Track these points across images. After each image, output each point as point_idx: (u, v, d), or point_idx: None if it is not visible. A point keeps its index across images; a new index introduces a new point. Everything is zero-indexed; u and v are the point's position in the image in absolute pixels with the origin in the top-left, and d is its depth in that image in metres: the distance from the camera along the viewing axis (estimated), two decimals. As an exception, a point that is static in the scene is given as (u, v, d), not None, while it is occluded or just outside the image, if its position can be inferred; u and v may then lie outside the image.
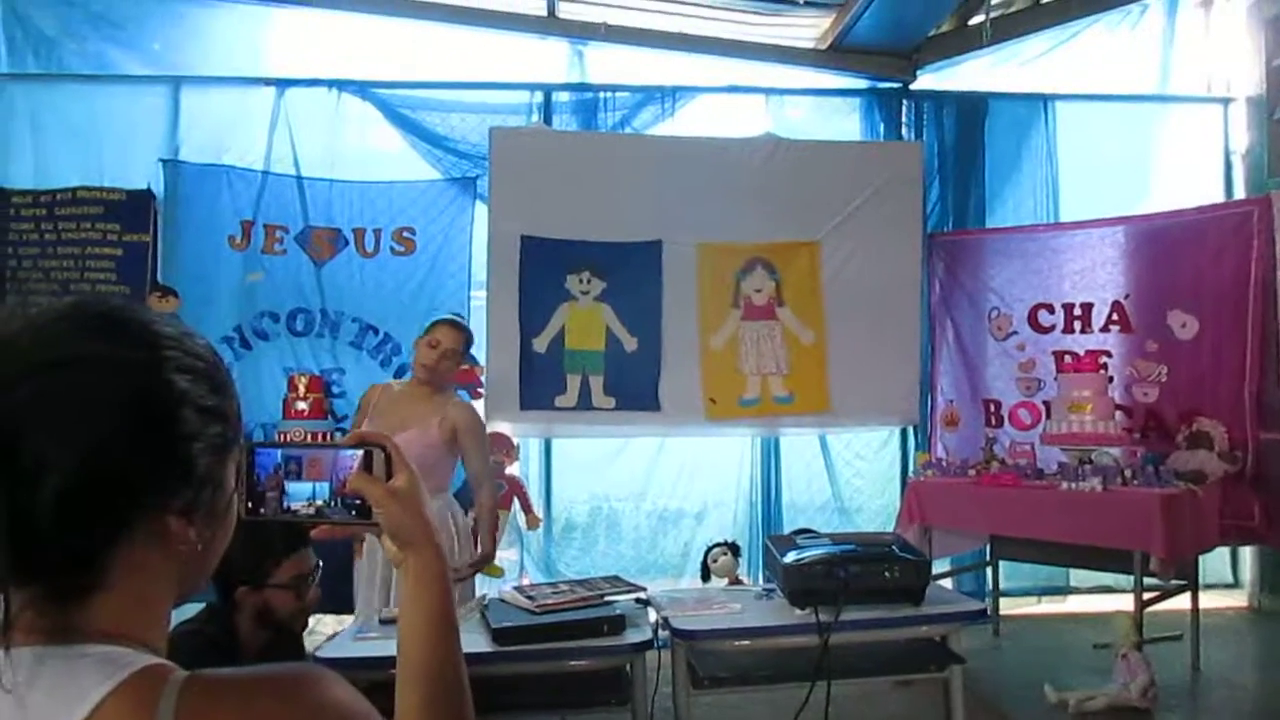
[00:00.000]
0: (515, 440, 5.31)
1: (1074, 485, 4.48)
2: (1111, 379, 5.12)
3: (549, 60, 5.95)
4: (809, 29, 5.89)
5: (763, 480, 5.79)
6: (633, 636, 2.64)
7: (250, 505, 0.99)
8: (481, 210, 5.38)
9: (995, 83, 6.15)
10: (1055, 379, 5.23)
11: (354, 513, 1.01)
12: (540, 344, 5.03)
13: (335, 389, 5.31)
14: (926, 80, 6.03)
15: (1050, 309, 5.52)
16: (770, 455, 5.80)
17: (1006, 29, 5.77)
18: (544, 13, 5.75)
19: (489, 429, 4.88)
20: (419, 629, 0.98)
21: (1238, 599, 6.02)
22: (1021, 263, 5.60)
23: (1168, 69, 6.36)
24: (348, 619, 3.71)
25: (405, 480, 1.00)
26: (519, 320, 4.99)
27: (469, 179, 5.54)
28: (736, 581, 4.51)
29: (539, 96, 5.76)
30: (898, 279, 5.30)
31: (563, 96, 5.82)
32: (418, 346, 3.61)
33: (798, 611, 2.81)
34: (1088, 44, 6.12)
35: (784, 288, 5.27)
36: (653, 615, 2.90)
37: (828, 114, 6.09)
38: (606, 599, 2.82)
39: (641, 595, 2.95)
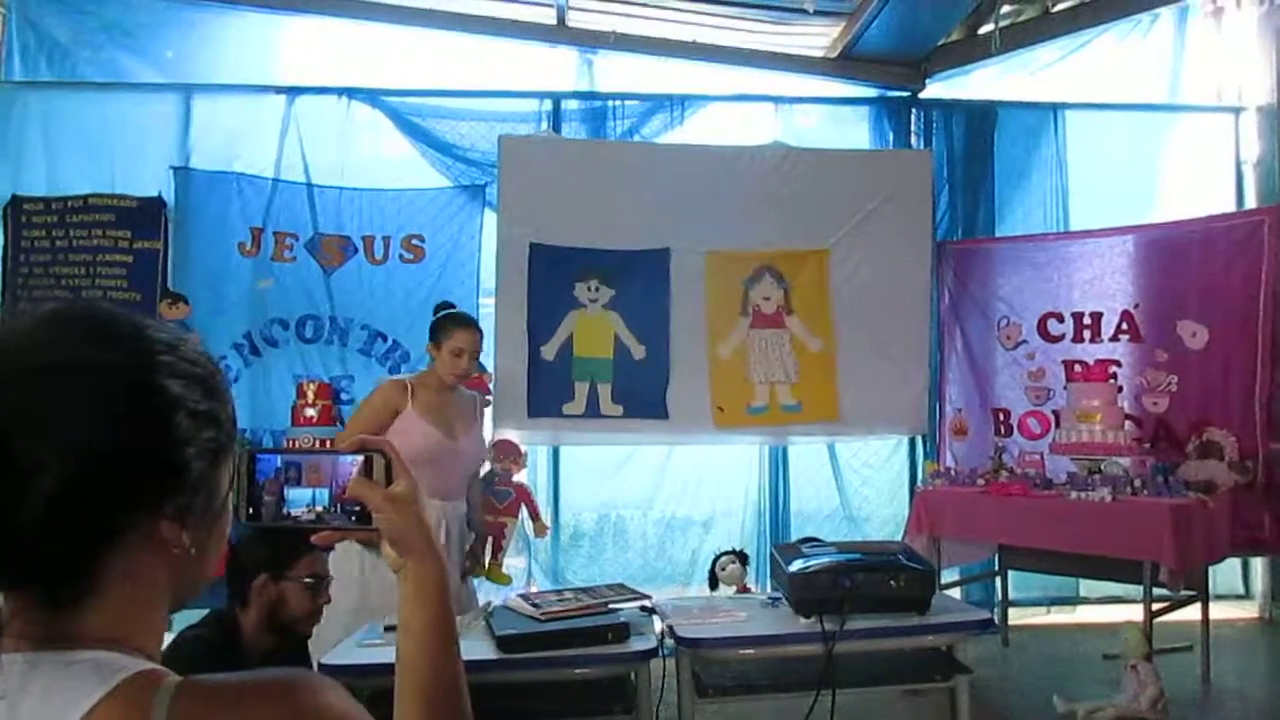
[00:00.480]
0: (523, 448, 5.31)
1: (1083, 495, 4.46)
2: (1121, 388, 5.09)
3: (558, 69, 5.98)
4: (818, 38, 5.90)
5: (771, 489, 5.78)
6: (637, 644, 2.62)
7: (250, 511, 1.00)
8: (490, 218, 5.40)
9: (1005, 92, 6.15)
10: (1065, 388, 5.22)
11: (354, 518, 1.01)
12: (549, 351, 5.03)
13: (344, 396, 5.32)
14: (936, 89, 6.04)
15: (1060, 318, 5.50)
16: (778, 464, 5.79)
17: (1016, 38, 5.78)
18: (553, 21, 5.79)
19: (496, 436, 4.91)
20: (418, 635, 0.98)
21: (1248, 610, 5.97)
22: (1031, 271, 5.59)
23: (1178, 78, 6.36)
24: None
25: (405, 486, 1.00)
26: (527, 327, 4.98)
27: (478, 187, 5.56)
28: (745, 590, 4.51)
29: (548, 105, 5.78)
30: (907, 287, 5.27)
31: (572, 105, 5.84)
32: (438, 355, 3.39)
33: (803, 620, 2.79)
34: (1098, 53, 6.10)
35: (793, 296, 5.25)
36: (658, 623, 2.89)
37: (837, 122, 6.09)
38: (611, 607, 2.81)
39: (646, 603, 2.94)
